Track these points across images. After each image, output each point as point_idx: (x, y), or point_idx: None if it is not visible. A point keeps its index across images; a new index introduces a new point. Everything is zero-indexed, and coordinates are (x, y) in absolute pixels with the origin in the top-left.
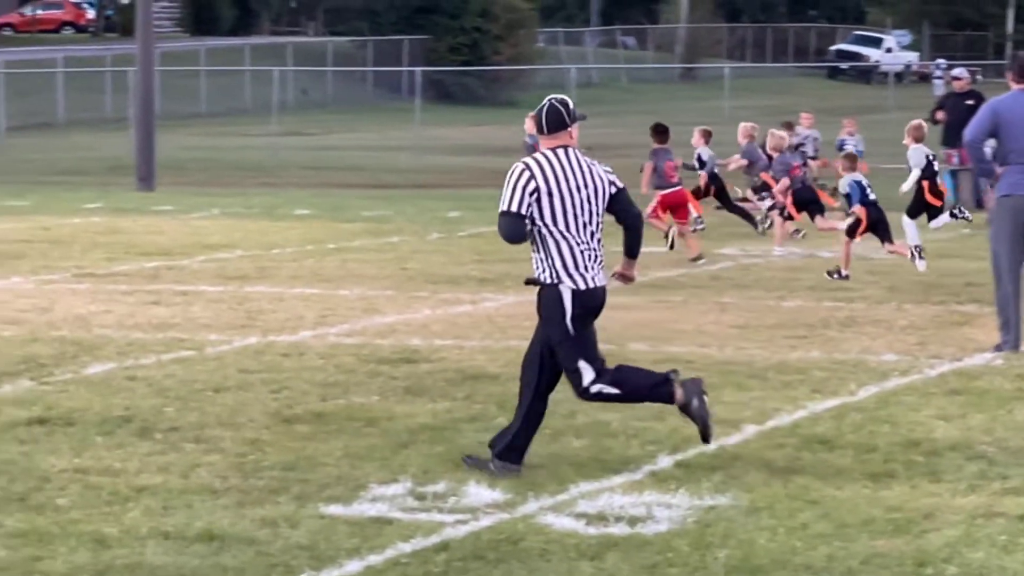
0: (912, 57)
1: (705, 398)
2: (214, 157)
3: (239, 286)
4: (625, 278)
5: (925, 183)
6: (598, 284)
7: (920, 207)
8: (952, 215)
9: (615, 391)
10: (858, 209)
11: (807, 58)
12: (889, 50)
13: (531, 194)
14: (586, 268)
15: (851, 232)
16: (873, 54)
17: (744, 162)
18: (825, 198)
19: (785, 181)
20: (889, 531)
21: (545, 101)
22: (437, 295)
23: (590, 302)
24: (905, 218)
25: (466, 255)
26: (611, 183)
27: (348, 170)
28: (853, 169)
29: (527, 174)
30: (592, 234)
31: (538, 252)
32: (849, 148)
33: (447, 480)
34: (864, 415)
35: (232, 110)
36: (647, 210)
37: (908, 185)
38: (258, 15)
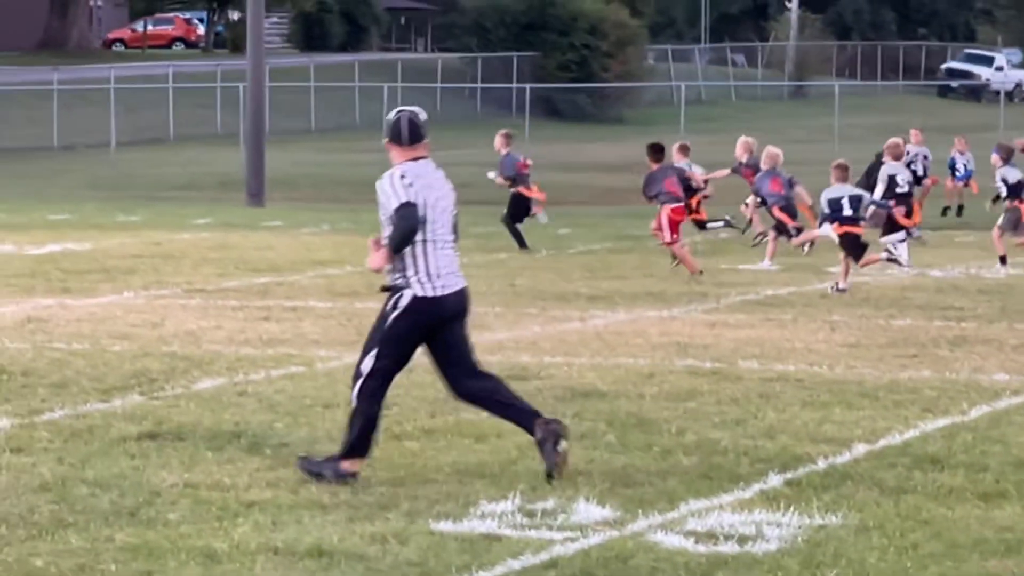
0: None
1: (563, 443)
2: (323, 173)
3: (349, 302)
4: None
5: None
6: (449, 292)
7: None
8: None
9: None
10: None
11: (917, 76)
12: (1000, 68)
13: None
14: (438, 276)
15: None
16: (984, 72)
17: (726, 172)
18: (806, 212)
19: (755, 199)
20: (1001, 552)
21: (398, 113)
22: (546, 312)
23: (436, 309)
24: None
25: (575, 272)
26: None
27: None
28: (845, 180)
29: (407, 179)
30: (450, 241)
31: (400, 258)
32: (960, 166)
33: (556, 497)
34: (975, 435)
35: (341, 126)
36: (664, 232)
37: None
38: (368, 31)
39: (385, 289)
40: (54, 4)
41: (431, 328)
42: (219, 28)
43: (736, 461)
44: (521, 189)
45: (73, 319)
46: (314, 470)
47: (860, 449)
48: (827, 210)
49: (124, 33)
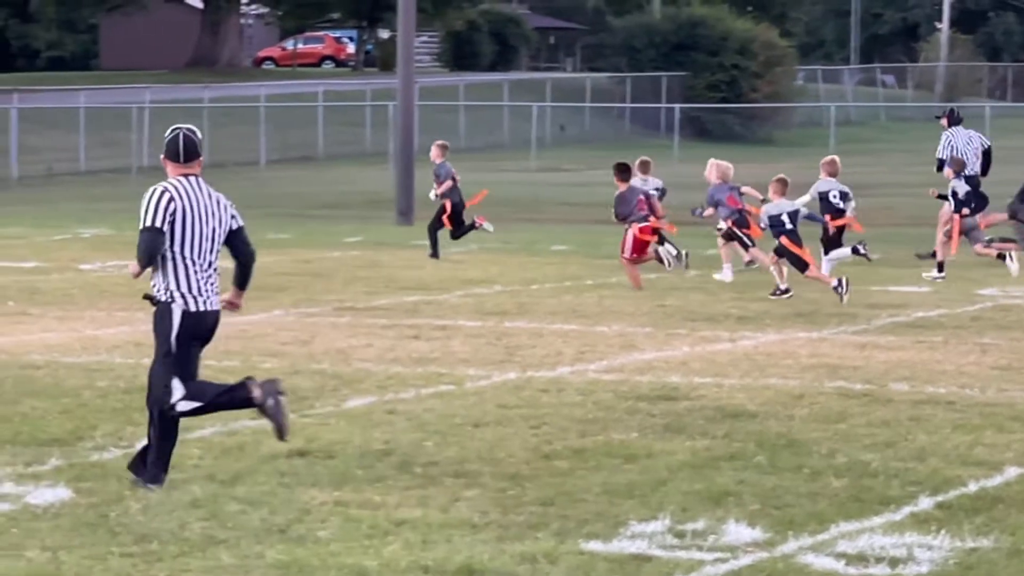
0: None
1: (281, 398)
2: (472, 192)
3: (498, 321)
4: (233, 305)
5: None
6: (210, 308)
7: None
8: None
9: (197, 404)
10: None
11: None
12: None
13: (170, 215)
14: (200, 292)
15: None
16: None
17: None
18: (755, 231)
19: (710, 211)
20: None
21: (175, 130)
22: (696, 332)
23: (199, 324)
24: None
25: (724, 292)
26: (233, 217)
27: (605, 206)
28: (782, 194)
29: (168, 195)
30: (211, 262)
31: (160, 272)
32: None
33: (706, 518)
34: None
35: (490, 145)
36: (624, 252)
37: None
38: (517, 51)
39: (147, 297)
40: (205, 23)
41: (197, 339)
42: (369, 47)
43: (886, 483)
44: (447, 202)
45: (223, 336)
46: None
47: (1012, 472)
48: (766, 225)
49: (274, 51)
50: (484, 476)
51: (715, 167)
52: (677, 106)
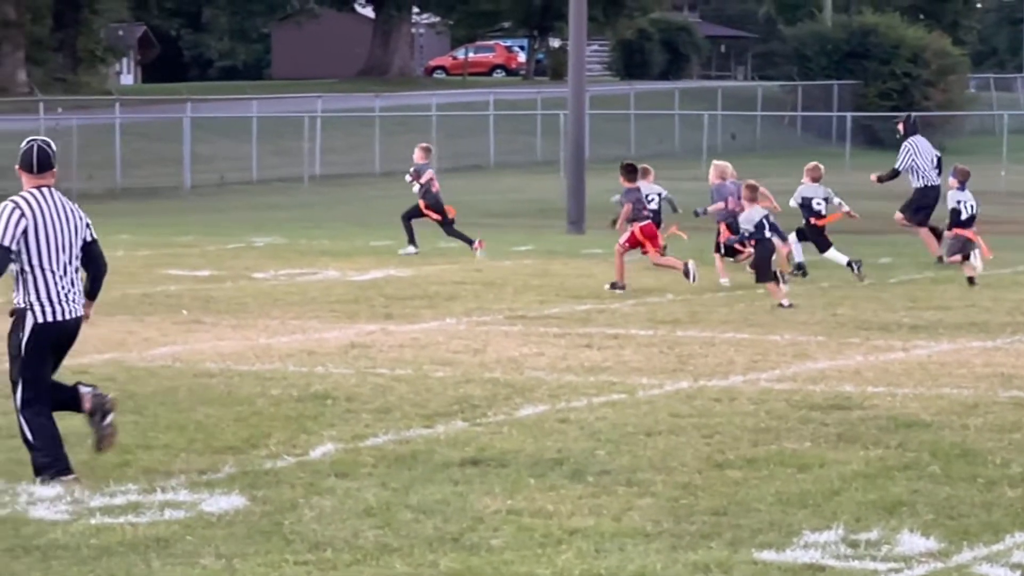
0: None
1: (108, 416)
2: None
3: (670, 330)
4: (85, 316)
5: None
6: (68, 317)
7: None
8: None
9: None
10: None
11: None
12: None
13: (21, 231)
14: (59, 301)
15: (729, 251)
16: None
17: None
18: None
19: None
20: None
21: (30, 142)
22: (869, 341)
23: (55, 333)
24: None
25: (897, 301)
26: (88, 227)
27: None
28: (754, 201)
29: (18, 212)
30: (68, 270)
31: (18, 284)
32: None
33: (880, 528)
34: None
35: (661, 154)
36: (619, 243)
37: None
38: (688, 59)
39: (12, 313)
40: (376, 32)
41: (54, 347)
42: (540, 56)
43: None
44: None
45: (396, 345)
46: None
47: None
48: (749, 228)
49: (445, 61)
50: (657, 485)
51: (713, 167)
52: (848, 114)
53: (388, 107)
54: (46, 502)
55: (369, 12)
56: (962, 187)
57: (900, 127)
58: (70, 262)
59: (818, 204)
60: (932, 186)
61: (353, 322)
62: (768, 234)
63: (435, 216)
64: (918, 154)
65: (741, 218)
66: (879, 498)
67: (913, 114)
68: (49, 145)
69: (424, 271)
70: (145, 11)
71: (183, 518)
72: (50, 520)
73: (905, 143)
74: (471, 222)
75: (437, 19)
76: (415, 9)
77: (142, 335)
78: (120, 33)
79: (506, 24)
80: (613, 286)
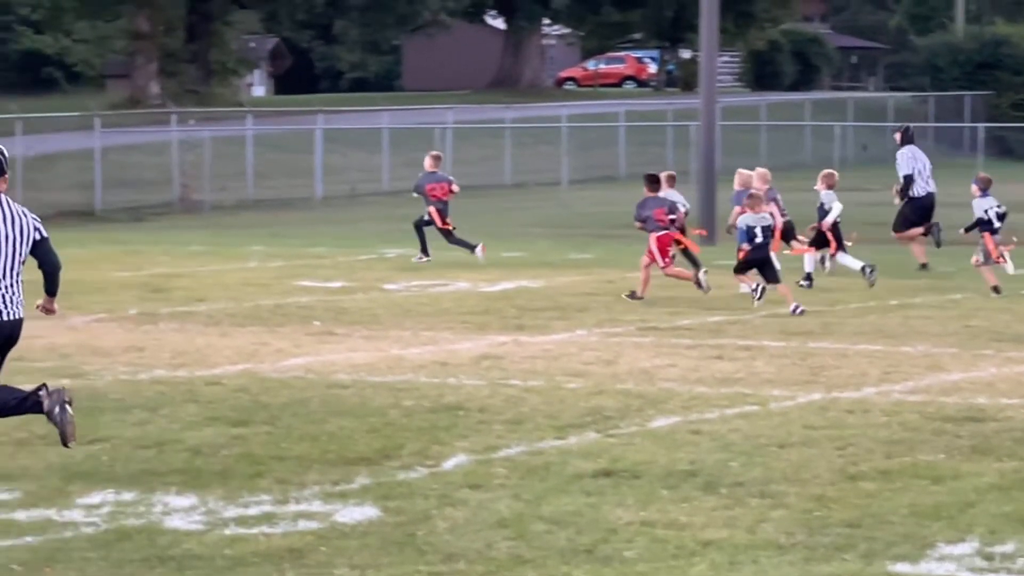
0: None
1: (68, 408)
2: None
3: (802, 341)
4: (47, 311)
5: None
6: (10, 319)
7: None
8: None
9: None
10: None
11: None
12: None
13: None
14: (2, 303)
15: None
16: None
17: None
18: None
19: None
20: None
21: None
22: (1002, 353)
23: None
24: None
25: None
26: (36, 229)
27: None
28: (754, 209)
29: None
30: (14, 272)
31: None
32: None
33: (1016, 541)
34: None
35: (792, 164)
36: (657, 259)
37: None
38: (819, 70)
39: None
40: (507, 44)
41: None
42: (670, 67)
43: None
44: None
45: (527, 356)
46: None
47: None
48: (743, 233)
49: (576, 72)
50: (790, 497)
51: (738, 175)
52: (981, 125)
53: (519, 118)
54: (181, 512)
55: (500, 23)
56: (984, 194)
57: (897, 137)
58: (12, 266)
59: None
60: (928, 194)
61: (485, 333)
62: (760, 239)
63: (439, 222)
64: (916, 162)
65: (742, 220)
66: (1014, 510)
67: (910, 125)
68: (1, 152)
69: (555, 282)
70: (277, 23)
71: (317, 529)
72: (185, 530)
73: (903, 152)
74: (602, 233)
75: (568, 30)
76: (546, 20)
77: (275, 346)
78: (252, 45)
79: (637, 35)
80: (632, 295)
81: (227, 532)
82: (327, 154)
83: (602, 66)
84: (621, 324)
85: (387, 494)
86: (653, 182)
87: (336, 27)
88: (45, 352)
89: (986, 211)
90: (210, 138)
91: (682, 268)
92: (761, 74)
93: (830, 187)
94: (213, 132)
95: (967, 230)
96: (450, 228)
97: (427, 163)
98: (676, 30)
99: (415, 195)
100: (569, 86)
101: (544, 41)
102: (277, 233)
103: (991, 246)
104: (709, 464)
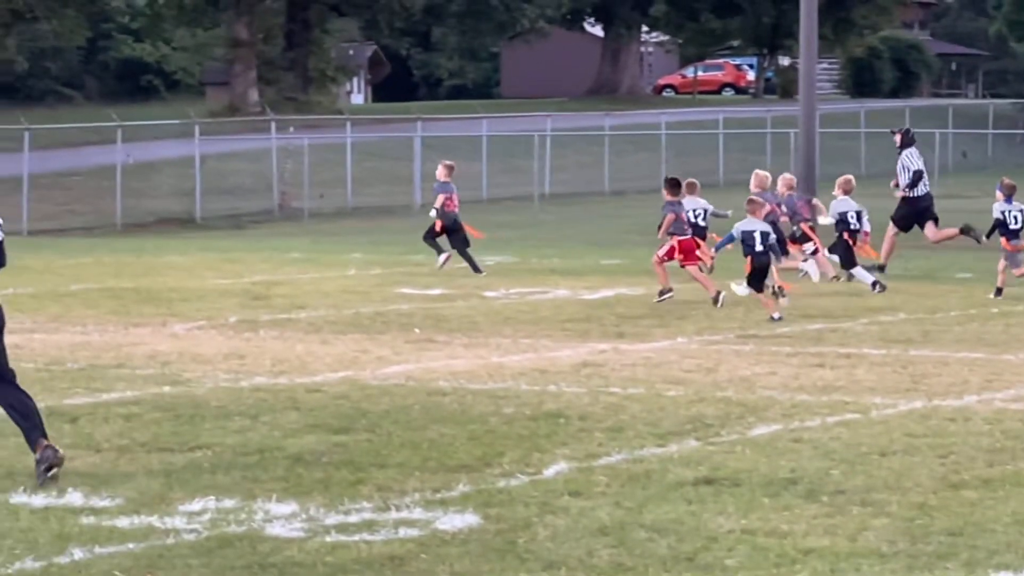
0: None
1: (50, 473)
2: (872, 219)
3: (903, 349)
4: None
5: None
6: None
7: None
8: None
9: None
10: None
11: None
12: None
13: None
14: None
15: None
16: None
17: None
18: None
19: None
20: None
21: None
22: None
23: None
24: None
25: None
26: None
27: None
28: (753, 214)
29: None
30: None
31: None
32: None
33: None
34: None
35: (891, 172)
36: (656, 254)
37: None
38: (918, 77)
39: None
40: (606, 51)
41: None
42: (769, 74)
43: None
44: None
45: (628, 364)
46: None
47: None
48: (739, 239)
49: (674, 79)
50: (891, 505)
51: (754, 176)
52: None
53: (617, 126)
54: (282, 520)
55: (598, 31)
56: (1009, 200)
57: (897, 138)
58: None
59: (852, 216)
60: (923, 195)
61: (585, 341)
62: (760, 247)
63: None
64: (915, 164)
65: (739, 226)
66: None
67: (910, 127)
68: None
69: (655, 290)
70: (376, 31)
71: (417, 536)
72: (286, 538)
73: (904, 154)
74: None
75: (666, 38)
76: (644, 28)
77: (375, 353)
78: (351, 53)
79: (735, 43)
80: (661, 294)
81: (328, 539)
82: (426, 162)
83: (701, 73)
84: (721, 332)
85: (488, 501)
86: (675, 186)
87: (434, 34)
88: (146, 359)
89: (1003, 213)
90: (309, 145)
91: (666, 274)
92: (860, 81)
93: (847, 193)
94: (312, 140)
95: (987, 236)
96: (437, 231)
97: (441, 173)
98: (775, 37)
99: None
100: (668, 93)
101: (642, 48)
102: (376, 240)
103: (1009, 249)
104: (810, 472)
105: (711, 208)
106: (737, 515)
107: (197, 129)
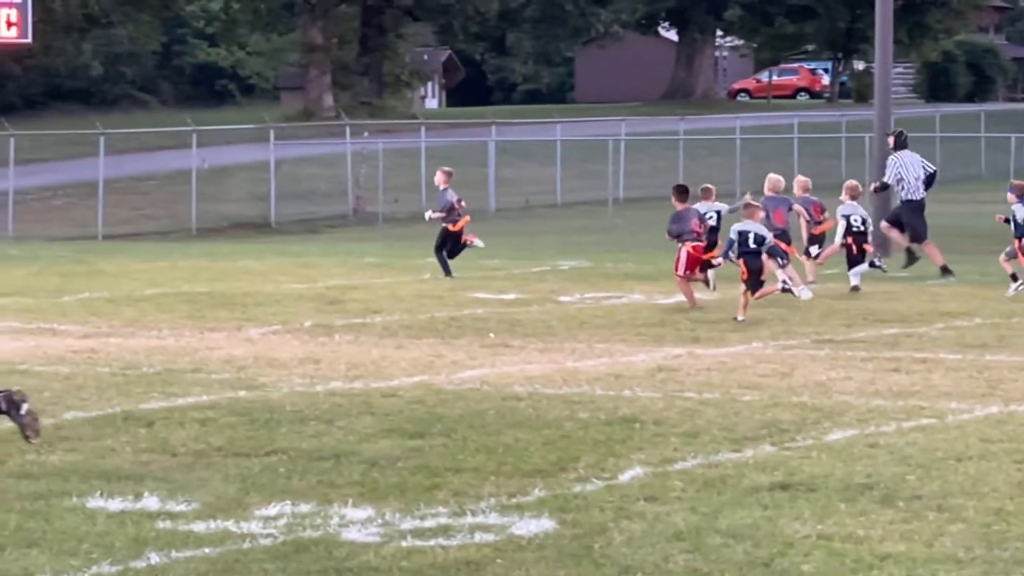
0: None
1: (24, 405)
2: (947, 224)
3: (979, 354)
4: None
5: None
6: None
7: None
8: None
9: None
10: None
11: None
12: None
13: None
14: None
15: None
16: None
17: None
18: (790, 249)
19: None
20: None
21: None
22: None
23: None
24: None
25: None
26: None
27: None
28: (752, 217)
29: None
30: None
31: None
32: None
33: None
34: None
35: (966, 177)
36: (679, 266)
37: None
38: (994, 81)
39: None
40: (680, 56)
41: None
42: (844, 78)
43: None
44: (449, 225)
45: (703, 368)
46: None
47: None
48: (734, 240)
49: (749, 83)
50: (968, 511)
51: (768, 180)
52: None
53: (692, 130)
54: (357, 524)
55: (673, 35)
56: (1021, 200)
57: (891, 140)
58: None
59: (855, 221)
60: (917, 200)
61: (660, 345)
62: (752, 245)
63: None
64: (904, 168)
65: (735, 227)
66: None
67: (903, 130)
68: None
69: (730, 294)
70: (450, 35)
71: (493, 541)
72: (362, 542)
73: (892, 157)
74: None
75: (740, 42)
76: (719, 32)
77: (450, 358)
78: (425, 57)
79: (810, 47)
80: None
81: (404, 544)
82: (500, 166)
83: (775, 77)
84: (796, 336)
85: (563, 506)
86: (683, 193)
87: (509, 39)
88: (221, 364)
89: (1015, 214)
90: (383, 150)
91: (696, 288)
92: (935, 85)
93: (853, 198)
94: (387, 144)
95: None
96: (452, 234)
97: (440, 179)
98: (849, 41)
99: (435, 215)
100: (742, 97)
101: (717, 52)
102: None
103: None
104: (886, 477)
105: (724, 208)
106: (813, 520)
107: (272, 134)
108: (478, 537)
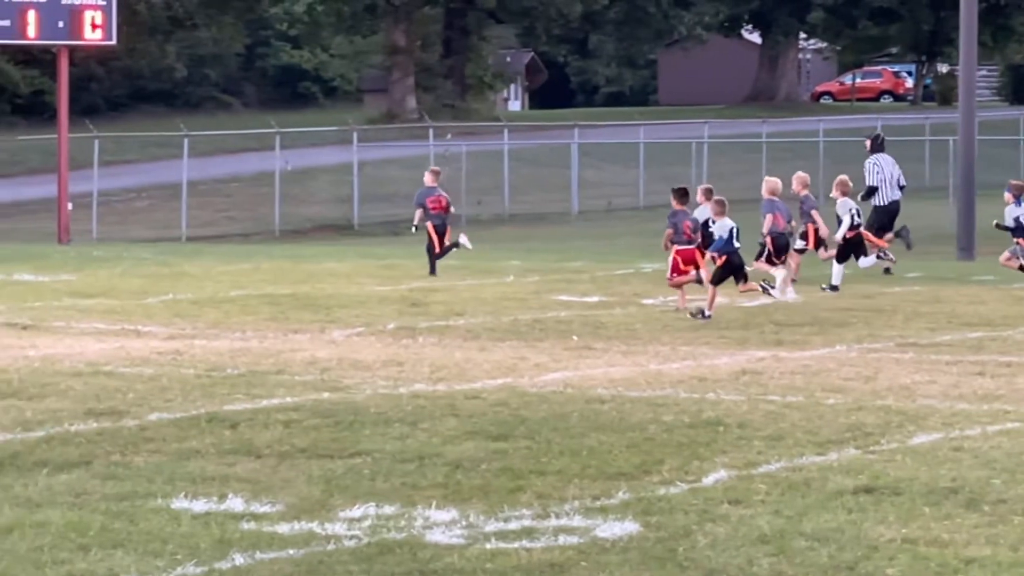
0: None
1: None
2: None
3: None
4: None
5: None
6: None
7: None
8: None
9: None
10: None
11: None
12: None
13: None
14: None
15: (715, 280)
16: None
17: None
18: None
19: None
20: None
21: None
22: None
23: None
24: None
25: None
26: None
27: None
28: (723, 214)
29: None
30: None
31: None
32: None
33: None
34: None
35: None
36: (668, 273)
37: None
38: None
39: None
40: (763, 58)
41: None
42: (927, 81)
43: None
44: (429, 225)
45: (787, 371)
46: None
47: None
48: (721, 240)
49: (832, 86)
50: None
51: (765, 183)
52: None
53: (775, 133)
54: (441, 526)
55: (756, 38)
56: (1019, 202)
57: (867, 144)
58: None
59: (848, 216)
60: (892, 202)
61: (743, 348)
62: (737, 245)
63: (436, 243)
64: (882, 171)
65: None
66: None
67: (880, 133)
68: None
69: (813, 297)
70: (533, 38)
71: (577, 544)
72: (446, 544)
73: (869, 161)
74: None
75: (824, 45)
76: (802, 34)
77: (533, 361)
78: (508, 60)
79: (894, 49)
80: (702, 314)
81: (488, 546)
82: (583, 168)
83: (859, 80)
84: (880, 340)
85: (647, 509)
86: (683, 195)
87: (592, 41)
88: (305, 366)
89: (1016, 218)
90: (466, 152)
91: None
92: (1019, 88)
93: (844, 194)
94: (469, 146)
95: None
96: (439, 252)
97: (427, 179)
98: (933, 44)
99: (418, 210)
100: (825, 100)
101: (800, 55)
102: (533, 248)
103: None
104: (971, 481)
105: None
106: (898, 524)
107: (355, 136)
108: (562, 539)
